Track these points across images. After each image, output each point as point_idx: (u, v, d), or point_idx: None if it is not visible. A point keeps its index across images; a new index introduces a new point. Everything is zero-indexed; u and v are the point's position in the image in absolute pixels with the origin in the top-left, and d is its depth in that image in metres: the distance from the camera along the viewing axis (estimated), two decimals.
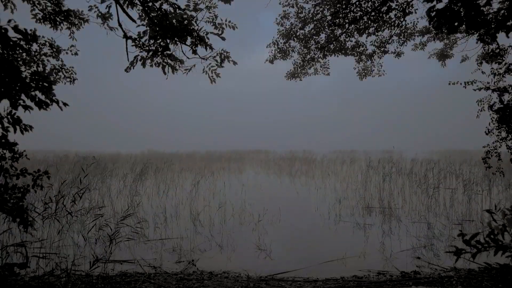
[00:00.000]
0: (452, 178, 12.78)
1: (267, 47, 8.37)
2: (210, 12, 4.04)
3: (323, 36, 7.98)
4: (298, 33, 7.98)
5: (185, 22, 3.66)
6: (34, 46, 5.45)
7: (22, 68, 3.33)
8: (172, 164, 21.81)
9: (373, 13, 6.98)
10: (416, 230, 6.47)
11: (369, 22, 7.22)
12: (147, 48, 3.92)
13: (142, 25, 3.85)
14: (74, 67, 6.09)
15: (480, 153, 6.70)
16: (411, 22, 7.95)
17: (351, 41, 8.05)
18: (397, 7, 7.00)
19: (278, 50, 8.37)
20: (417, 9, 6.93)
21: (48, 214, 6.17)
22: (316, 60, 8.61)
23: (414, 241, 5.80)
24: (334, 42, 7.93)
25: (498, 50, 6.58)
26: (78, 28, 5.72)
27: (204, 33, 3.86)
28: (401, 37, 8.13)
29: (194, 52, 3.94)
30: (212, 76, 4.11)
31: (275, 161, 26.93)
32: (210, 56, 4.02)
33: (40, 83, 2.60)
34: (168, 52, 3.89)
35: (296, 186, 13.17)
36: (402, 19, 7.34)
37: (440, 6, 2.35)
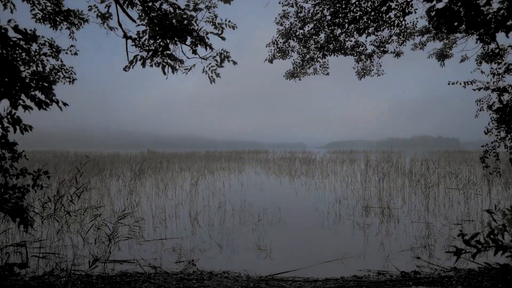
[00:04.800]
0: (451, 178, 12.80)
1: (266, 46, 8.37)
2: (210, 12, 4.04)
3: (322, 35, 7.99)
4: (297, 33, 7.98)
5: (185, 22, 3.66)
6: (34, 46, 5.44)
7: (22, 68, 3.32)
8: (172, 164, 21.81)
9: (372, 13, 6.98)
10: (416, 230, 6.48)
11: (369, 22, 7.22)
12: (147, 48, 3.92)
13: (142, 25, 3.85)
14: (73, 67, 6.10)
15: (479, 153, 6.71)
16: (410, 22, 7.96)
17: (351, 41, 8.06)
18: (396, 7, 7.00)
19: (277, 50, 8.37)
20: (416, 9, 6.93)
21: (47, 214, 6.18)
22: (315, 60, 8.61)
23: (413, 241, 5.80)
24: (333, 42, 7.93)
25: (497, 50, 6.59)
26: (78, 28, 5.71)
27: (204, 33, 3.86)
28: (400, 37, 8.14)
29: (194, 52, 3.94)
30: (212, 76, 4.10)
31: (275, 161, 26.92)
32: (210, 56, 4.02)
33: (40, 83, 2.60)
34: (168, 52, 3.89)
35: (295, 186, 13.17)
36: (401, 19, 7.34)
37: (440, 5, 2.35)
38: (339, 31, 7.71)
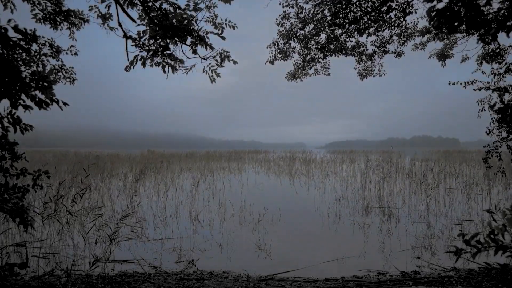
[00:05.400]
0: (452, 178, 12.79)
1: (267, 47, 8.37)
2: (210, 12, 4.04)
3: (323, 36, 7.98)
4: (298, 34, 7.97)
5: (185, 22, 3.66)
6: (34, 46, 5.45)
7: (22, 68, 3.33)
8: (172, 164, 21.81)
9: (373, 13, 6.98)
10: (416, 230, 6.47)
11: (369, 22, 7.21)
12: (147, 48, 3.92)
13: (142, 24, 3.85)
14: (74, 67, 6.10)
15: (480, 153, 6.70)
16: (411, 22, 7.95)
17: (351, 41, 8.05)
18: (397, 7, 6.99)
19: (278, 50, 8.37)
20: (417, 9, 6.93)
21: (48, 214, 6.18)
22: (316, 60, 8.60)
23: (414, 241, 5.80)
24: (334, 42, 7.92)
25: (498, 50, 6.58)
26: (78, 28, 5.71)
27: (204, 32, 3.86)
28: (401, 37, 8.14)
29: (194, 52, 3.93)
30: (212, 76, 4.10)
31: (275, 161, 26.92)
32: (210, 56, 4.02)
33: (40, 83, 2.60)
34: (168, 51, 3.89)
35: (295, 186, 13.17)
36: (402, 19, 7.34)
37: (440, 6, 2.34)
38: (340, 31, 7.70)
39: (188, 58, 4.02)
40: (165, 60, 3.99)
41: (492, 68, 6.56)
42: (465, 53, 8.40)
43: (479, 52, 7.50)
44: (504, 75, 6.34)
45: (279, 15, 7.87)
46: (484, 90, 5.94)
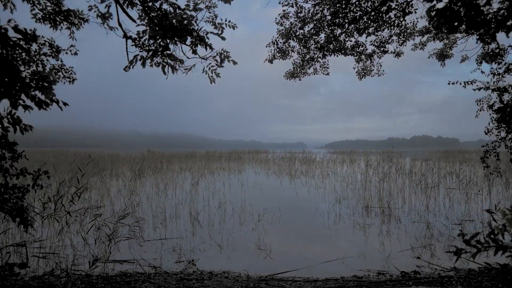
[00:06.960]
0: (452, 178, 12.79)
1: (266, 46, 8.37)
2: (210, 12, 4.03)
3: (322, 36, 7.98)
4: (297, 33, 7.97)
5: (185, 22, 3.65)
6: (34, 46, 5.44)
7: (22, 68, 3.32)
8: (172, 164, 21.82)
9: (372, 13, 6.98)
10: (416, 230, 6.47)
11: (369, 22, 7.22)
12: (147, 48, 3.91)
13: (142, 25, 3.85)
14: (73, 67, 6.09)
15: (480, 153, 6.72)
16: (410, 22, 7.95)
17: (351, 41, 8.05)
18: (397, 7, 7.00)
19: (277, 50, 8.36)
20: (417, 9, 6.93)
21: (47, 214, 6.18)
22: (315, 60, 8.61)
23: (414, 241, 5.80)
24: (333, 42, 7.92)
25: (498, 50, 6.59)
26: (78, 28, 5.70)
27: (204, 33, 3.86)
28: (400, 37, 8.14)
29: (194, 52, 3.93)
30: (212, 76, 4.10)
31: (275, 161, 26.92)
32: (210, 56, 4.01)
33: (40, 83, 2.60)
34: (168, 52, 3.88)
35: (295, 186, 13.17)
36: (401, 19, 7.34)
37: (440, 5, 2.34)
38: (339, 31, 7.70)
39: (188, 58, 4.02)
40: (165, 60, 3.98)
41: (492, 68, 6.57)
42: (465, 53, 8.41)
43: (478, 52, 7.50)
44: (504, 75, 6.34)
45: (279, 14, 7.87)
46: (483, 90, 5.94)
